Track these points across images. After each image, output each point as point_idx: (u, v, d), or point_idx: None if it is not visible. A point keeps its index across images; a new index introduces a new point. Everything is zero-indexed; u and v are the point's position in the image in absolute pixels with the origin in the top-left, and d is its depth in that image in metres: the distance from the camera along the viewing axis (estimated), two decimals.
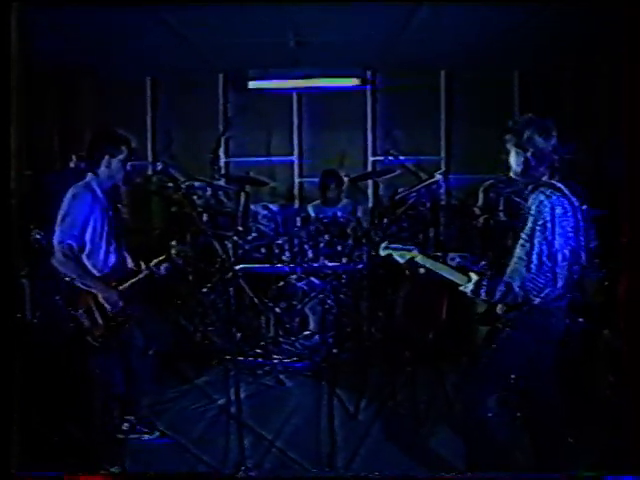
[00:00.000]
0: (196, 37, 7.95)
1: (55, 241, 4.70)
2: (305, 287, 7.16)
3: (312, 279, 7.18)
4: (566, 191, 3.90)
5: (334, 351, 6.85)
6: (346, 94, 10.06)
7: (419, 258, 4.21)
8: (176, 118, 10.11)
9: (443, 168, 9.88)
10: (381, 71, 10.10)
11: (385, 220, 6.98)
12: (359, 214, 8.08)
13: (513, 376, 4.13)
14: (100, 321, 4.73)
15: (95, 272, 4.84)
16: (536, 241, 3.80)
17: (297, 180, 10.35)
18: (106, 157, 4.85)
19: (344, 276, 7.25)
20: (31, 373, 4.78)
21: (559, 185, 3.91)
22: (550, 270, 3.80)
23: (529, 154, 3.96)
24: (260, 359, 6.87)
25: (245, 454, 4.65)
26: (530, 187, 3.98)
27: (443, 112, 10.15)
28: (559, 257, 3.82)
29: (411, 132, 9.68)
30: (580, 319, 5.65)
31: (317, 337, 6.98)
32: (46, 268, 4.82)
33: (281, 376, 6.62)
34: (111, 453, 4.86)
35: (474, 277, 4.01)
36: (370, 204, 9.29)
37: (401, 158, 7.51)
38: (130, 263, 5.17)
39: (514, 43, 8.06)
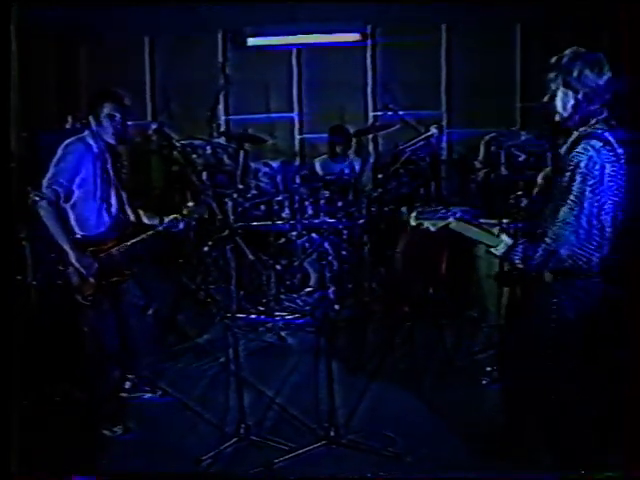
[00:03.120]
0: None
1: (43, 187, 4.66)
2: (306, 244, 7.15)
3: (313, 236, 7.17)
4: (614, 143, 3.50)
5: (336, 307, 6.85)
6: (346, 49, 9.98)
7: (453, 225, 3.76)
8: (175, 77, 10.07)
9: (444, 122, 9.85)
10: (381, 25, 10.01)
11: (380, 175, 6.93)
12: (366, 169, 8.04)
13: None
14: (89, 280, 4.72)
15: (78, 228, 4.81)
16: (587, 203, 3.42)
17: (298, 137, 10.32)
18: (92, 116, 4.81)
19: (345, 232, 7.24)
20: (31, 334, 4.82)
21: (608, 137, 3.50)
22: (599, 235, 3.48)
23: (580, 95, 3.51)
24: (262, 316, 6.88)
25: (246, 412, 4.66)
26: (574, 136, 3.57)
27: (444, 66, 10.08)
28: (608, 221, 3.48)
29: (412, 86, 9.61)
30: None
31: (318, 293, 6.98)
32: (44, 229, 4.78)
33: (282, 333, 6.66)
34: (112, 413, 4.90)
35: (506, 239, 3.63)
36: (372, 159, 9.26)
37: (400, 113, 7.44)
38: (134, 218, 5.13)
39: None
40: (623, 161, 3.51)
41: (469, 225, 3.79)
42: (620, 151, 3.49)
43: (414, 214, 3.90)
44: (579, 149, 3.45)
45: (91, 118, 4.83)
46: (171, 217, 5.09)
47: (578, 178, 3.42)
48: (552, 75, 3.58)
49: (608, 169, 3.42)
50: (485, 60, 9.66)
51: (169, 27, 9.69)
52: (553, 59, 3.59)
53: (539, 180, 6.41)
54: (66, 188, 4.71)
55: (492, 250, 3.67)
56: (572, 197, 3.43)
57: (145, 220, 5.14)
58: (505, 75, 9.91)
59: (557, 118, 3.62)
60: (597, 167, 3.40)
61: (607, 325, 4.35)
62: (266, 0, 7.92)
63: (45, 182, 4.67)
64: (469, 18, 9.47)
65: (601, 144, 3.44)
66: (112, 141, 4.85)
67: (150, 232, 4.99)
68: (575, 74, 3.49)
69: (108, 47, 9.81)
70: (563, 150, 3.59)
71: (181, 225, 5.10)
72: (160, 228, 5.04)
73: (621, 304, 3.98)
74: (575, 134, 3.56)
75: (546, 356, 3.76)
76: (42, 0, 6.39)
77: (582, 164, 3.41)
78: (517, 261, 3.59)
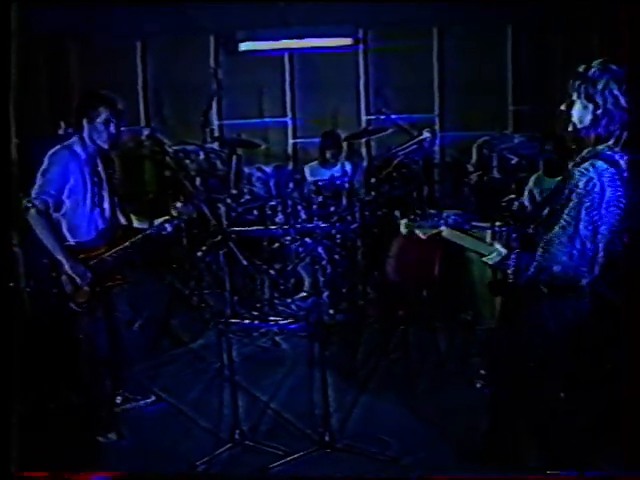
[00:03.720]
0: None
1: (31, 197, 4.62)
2: (299, 249, 7.15)
3: (306, 240, 7.15)
4: (623, 166, 3.33)
5: (330, 312, 6.85)
6: (338, 53, 9.99)
7: (446, 233, 3.70)
8: (167, 82, 10.07)
9: (437, 126, 9.86)
10: (373, 29, 10.02)
11: (373, 179, 6.92)
12: (356, 175, 8.03)
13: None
14: (83, 287, 4.70)
15: (70, 236, 4.78)
16: (581, 225, 3.29)
17: (291, 141, 10.32)
18: (85, 119, 4.74)
19: (338, 236, 7.24)
20: (25, 341, 4.80)
21: (617, 159, 3.33)
22: (592, 256, 3.35)
23: (600, 110, 3.34)
24: (256, 321, 6.87)
25: (240, 417, 4.65)
26: (584, 152, 3.41)
27: (436, 69, 10.09)
28: (602, 244, 3.35)
29: (404, 90, 9.61)
30: None
31: (312, 298, 6.97)
32: (36, 239, 4.75)
33: (276, 337, 6.66)
34: (106, 419, 4.89)
35: (500, 248, 3.53)
36: (364, 164, 9.25)
37: (393, 117, 7.45)
38: (126, 222, 5.12)
39: None
40: (632, 185, 3.35)
41: (461, 233, 3.75)
42: (628, 174, 3.34)
43: (404, 222, 3.82)
44: (582, 168, 3.32)
45: (85, 122, 4.76)
46: (160, 220, 5.05)
47: (574, 198, 3.30)
48: (575, 84, 3.41)
49: (609, 192, 3.27)
50: (477, 63, 9.68)
51: (162, 32, 9.69)
52: (580, 68, 3.41)
53: (530, 184, 6.43)
54: (55, 198, 4.67)
55: (485, 259, 3.60)
56: (566, 217, 3.33)
57: (136, 224, 5.12)
58: (497, 78, 9.94)
59: (570, 128, 3.47)
60: (596, 189, 3.26)
61: (593, 342, 4.38)
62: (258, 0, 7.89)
63: (33, 193, 4.63)
64: (461, 21, 9.50)
65: (606, 166, 3.29)
66: (105, 146, 4.80)
67: (140, 235, 4.95)
68: (600, 87, 3.33)
69: (100, 51, 9.80)
70: (571, 165, 3.46)
71: (169, 227, 5.06)
72: (149, 231, 5.00)
73: (608, 322, 4.00)
74: (584, 151, 3.41)
75: (529, 366, 3.73)
76: (39, 2, 6.36)
77: (581, 184, 3.28)
78: (509, 272, 3.52)
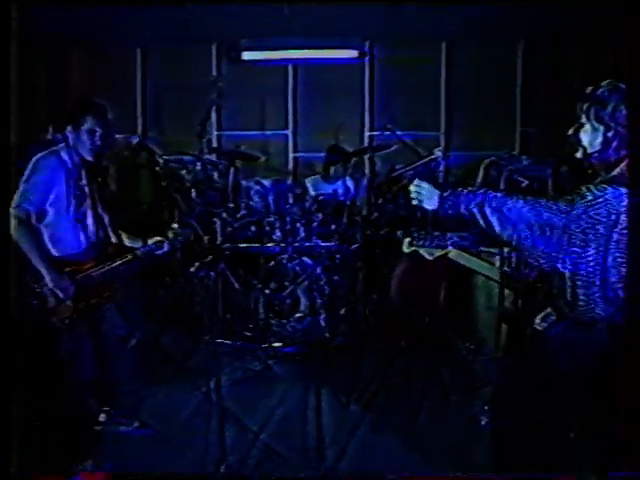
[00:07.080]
0: (187, 6, 7.72)
1: (12, 205, 4.36)
2: (297, 267, 6.91)
3: (304, 259, 6.93)
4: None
5: (326, 335, 6.61)
6: (343, 66, 9.82)
7: (453, 254, 3.70)
8: (167, 90, 9.90)
9: (442, 144, 9.68)
10: (380, 42, 9.84)
11: (377, 198, 6.74)
12: (359, 192, 7.82)
13: None
14: (66, 302, 4.46)
15: (53, 248, 4.56)
16: (610, 252, 3.20)
17: (291, 155, 10.12)
18: (70, 126, 4.54)
19: (337, 256, 7.01)
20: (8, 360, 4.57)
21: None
22: (608, 286, 3.24)
23: (611, 132, 3.23)
24: (248, 342, 6.61)
25: (228, 448, 4.39)
26: (600, 178, 3.27)
27: (443, 86, 9.91)
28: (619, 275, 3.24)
29: (410, 106, 9.44)
30: None
31: (309, 319, 6.73)
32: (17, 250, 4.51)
33: (269, 361, 6.38)
34: (86, 446, 4.62)
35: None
36: (365, 181, 9.07)
37: (398, 133, 7.26)
38: (117, 239, 4.86)
39: (518, 13, 7.82)
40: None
41: (469, 255, 3.62)
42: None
43: (407, 240, 3.70)
44: (597, 192, 3.16)
45: (69, 130, 4.56)
46: (155, 239, 4.84)
47: (600, 228, 3.16)
48: (584, 106, 3.31)
49: (623, 216, 3.15)
50: (486, 80, 9.51)
51: (162, 39, 9.54)
52: (588, 89, 3.31)
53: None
54: (37, 207, 4.45)
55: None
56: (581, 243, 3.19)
57: (127, 242, 4.87)
58: (506, 97, 9.78)
59: (579, 154, 3.36)
60: (612, 216, 3.14)
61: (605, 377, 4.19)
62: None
63: (15, 200, 4.39)
64: (470, 37, 9.35)
65: (626, 190, 3.15)
66: (89, 157, 4.58)
67: (129, 257, 4.74)
68: (609, 109, 3.22)
69: (100, 57, 9.64)
70: (583, 188, 3.24)
71: (166, 247, 4.88)
72: (139, 252, 4.80)
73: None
74: (598, 175, 3.29)
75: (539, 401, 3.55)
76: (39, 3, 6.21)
77: (597, 207, 3.15)
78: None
